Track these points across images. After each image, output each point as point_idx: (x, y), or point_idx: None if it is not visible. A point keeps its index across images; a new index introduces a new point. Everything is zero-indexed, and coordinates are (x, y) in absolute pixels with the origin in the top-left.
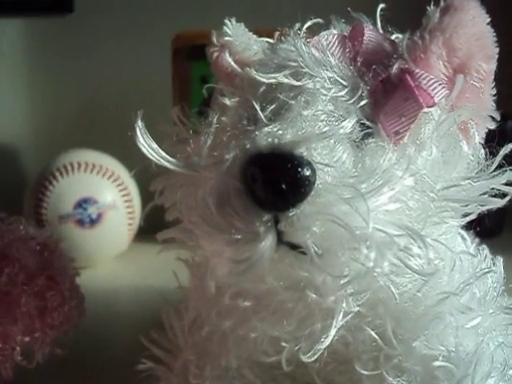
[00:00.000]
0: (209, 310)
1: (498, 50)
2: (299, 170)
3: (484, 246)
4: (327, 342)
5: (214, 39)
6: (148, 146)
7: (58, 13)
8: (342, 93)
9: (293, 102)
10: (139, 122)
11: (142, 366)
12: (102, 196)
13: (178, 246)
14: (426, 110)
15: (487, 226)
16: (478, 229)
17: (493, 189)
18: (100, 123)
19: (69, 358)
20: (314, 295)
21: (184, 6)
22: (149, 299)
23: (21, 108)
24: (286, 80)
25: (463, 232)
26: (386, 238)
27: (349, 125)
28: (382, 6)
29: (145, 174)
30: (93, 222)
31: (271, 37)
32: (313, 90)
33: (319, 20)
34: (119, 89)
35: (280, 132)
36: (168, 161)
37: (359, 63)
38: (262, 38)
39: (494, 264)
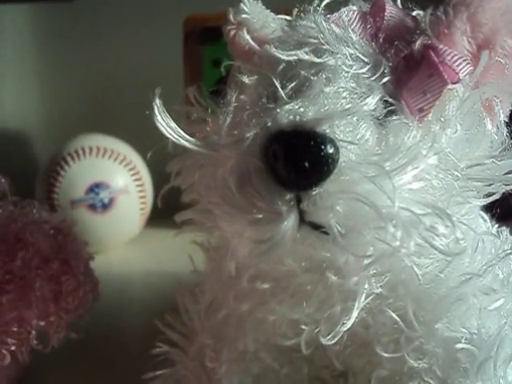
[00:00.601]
0: (226, 293)
1: None
2: (322, 147)
3: (504, 228)
4: (349, 324)
5: (231, 17)
6: (166, 124)
7: None
8: (364, 70)
9: (315, 78)
10: (157, 101)
11: (157, 350)
12: (113, 180)
13: (195, 228)
14: (450, 86)
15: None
16: (499, 210)
17: None
18: (111, 108)
19: (82, 342)
20: (334, 277)
21: None
22: (161, 283)
23: (31, 94)
24: (306, 57)
25: (483, 213)
26: (411, 217)
27: (372, 101)
28: None
29: (156, 157)
30: (105, 206)
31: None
32: (334, 67)
33: None
34: (129, 73)
35: (301, 109)
36: (187, 140)
37: (381, 40)
38: (279, 16)
39: None
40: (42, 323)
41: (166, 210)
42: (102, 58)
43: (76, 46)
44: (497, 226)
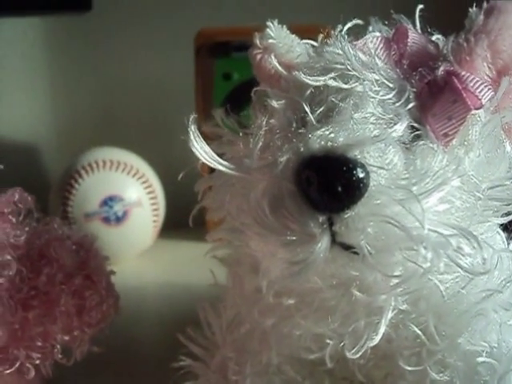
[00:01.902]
0: (249, 308)
1: None
2: (354, 172)
3: None
4: (376, 339)
5: (257, 41)
6: (201, 149)
7: (76, 10)
8: (390, 95)
9: (343, 104)
10: (192, 127)
11: (179, 364)
12: (127, 193)
13: (221, 245)
14: (473, 111)
15: None
16: None
17: None
18: (123, 121)
19: (103, 355)
20: (362, 294)
21: (206, 2)
22: (175, 294)
23: (43, 107)
24: (334, 83)
25: (500, 230)
26: (440, 239)
27: (401, 128)
28: (420, 6)
29: (168, 170)
30: (119, 219)
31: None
32: (361, 93)
33: (359, 21)
34: (141, 86)
35: (332, 135)
36: (220, 163)
37: (405, 66)
38: (304, 41)
39: None
40: (66, 338)
41: (178, 223)
42: (114, 70)
43: (88, 59)
44: None
